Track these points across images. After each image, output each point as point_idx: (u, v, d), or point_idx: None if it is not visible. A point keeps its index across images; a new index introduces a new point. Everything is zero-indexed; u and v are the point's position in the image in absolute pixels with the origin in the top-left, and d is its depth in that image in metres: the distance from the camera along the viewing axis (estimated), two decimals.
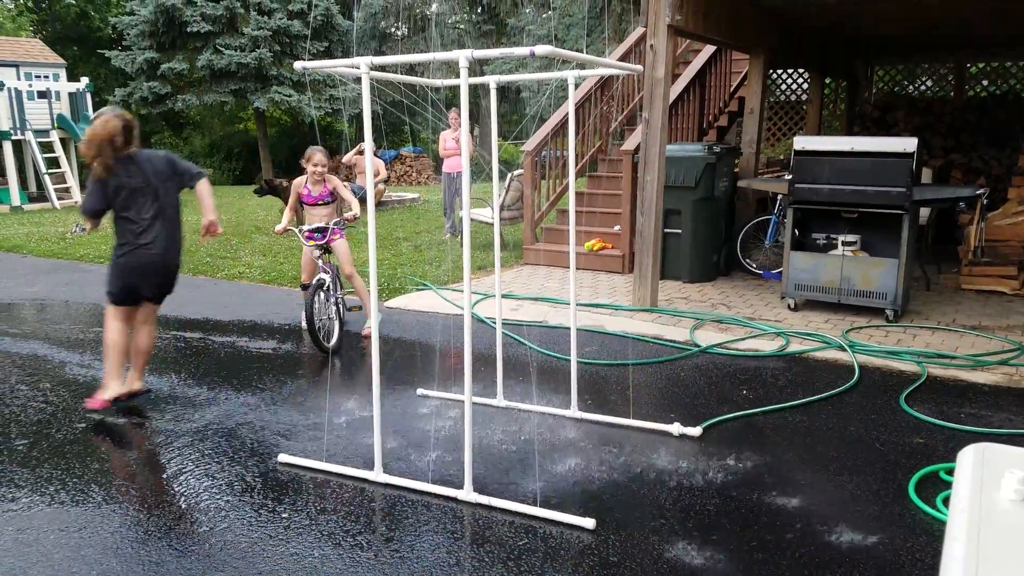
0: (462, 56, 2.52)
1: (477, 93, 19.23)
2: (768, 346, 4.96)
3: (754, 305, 6.09)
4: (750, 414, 3.79)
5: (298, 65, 2.86)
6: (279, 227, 5.06)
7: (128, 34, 18.62)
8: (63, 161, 14.54)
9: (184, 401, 4.10)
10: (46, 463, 3.34)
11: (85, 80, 15.35)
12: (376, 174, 12.67)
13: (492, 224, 8.91)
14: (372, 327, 3.20)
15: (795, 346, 4.93)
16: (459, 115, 9.52)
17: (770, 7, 6.80)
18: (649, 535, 2.66)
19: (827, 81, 11.07)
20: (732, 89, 9.50)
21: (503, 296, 6.41)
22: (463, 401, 3.56)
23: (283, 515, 2.83)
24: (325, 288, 4.89)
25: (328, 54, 20.39)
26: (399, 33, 22.69)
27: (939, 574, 1.07)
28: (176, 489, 3.06)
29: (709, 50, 8.51)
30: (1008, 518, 1.16)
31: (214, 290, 7.04)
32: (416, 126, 29.56)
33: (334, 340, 4.94)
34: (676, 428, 3.53)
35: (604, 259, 7.60)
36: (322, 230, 4.97)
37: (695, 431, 3.52)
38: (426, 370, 4.55)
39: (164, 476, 3.19)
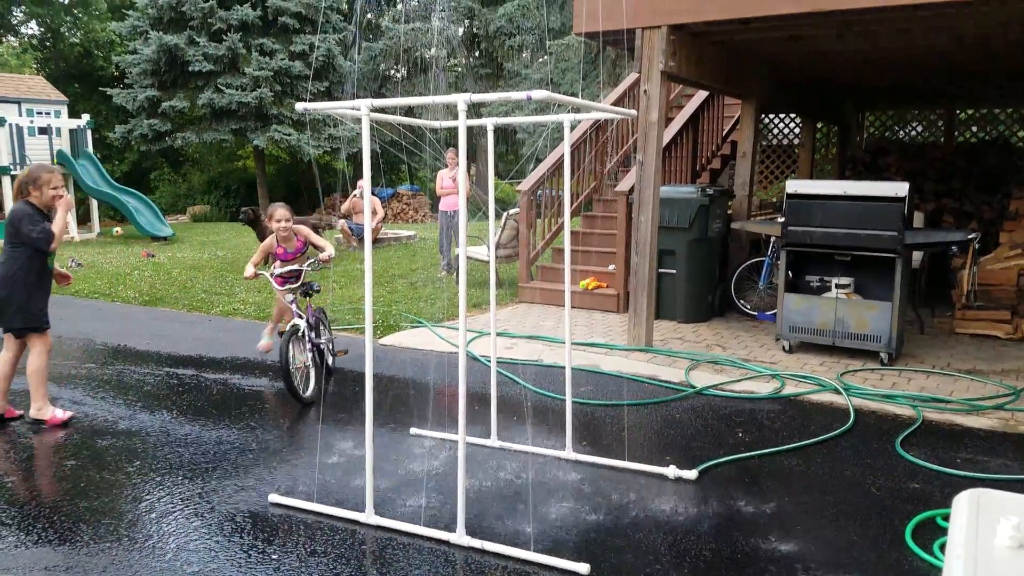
0: (460, 99, 2.57)
1: (475, 133, 19.51)
2: (763, 388, 4.95)
3: (749, 346, 6.09)
4: (746, 457, 3.77)
5: (299, 106, 2.91)
6: (247, 273, 4.71)
7: (130, 72, 18.88)
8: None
9: (175, 439, 4.05)
10: (30, 503, 3.28)
11: (86, 117, 15.52)
12: (373, 213, 12.78)
13: (488, 262, 8.97)
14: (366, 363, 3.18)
15: (790, 388, 4.93)
16: (456, 155, 9.69)
17: (762, 55, 6.95)
18: None
19: (819, 126, 11.26)
20: (725, 133, 9.67)
21: (498, 334, 6.39)
22: (456, 441, 3.55)
23: (273, 556, 2.77)
24: (300, 334, 4.66)
25: (328, 94, 20.70)
26: (398, 75, 23.02)
27: None
28: (165, 529, 3.00)
29: (702, 95, 8.67)
30: (1003, 564, 1.15)
31: (208, 327, 7.01)
32: (413, 165, 29.91)
33: (310, 390, 4.66)
34: (672, 471, 3.50)
35: (599, 298, 7.62)
36: (296, 273, 4.80)
37: (691, 474, 3.49)
38: (420, 409, 4.52)
39: (153, 515, 3.13)
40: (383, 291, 8.60)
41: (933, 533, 2.96)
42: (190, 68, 18.08)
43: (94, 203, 15.68)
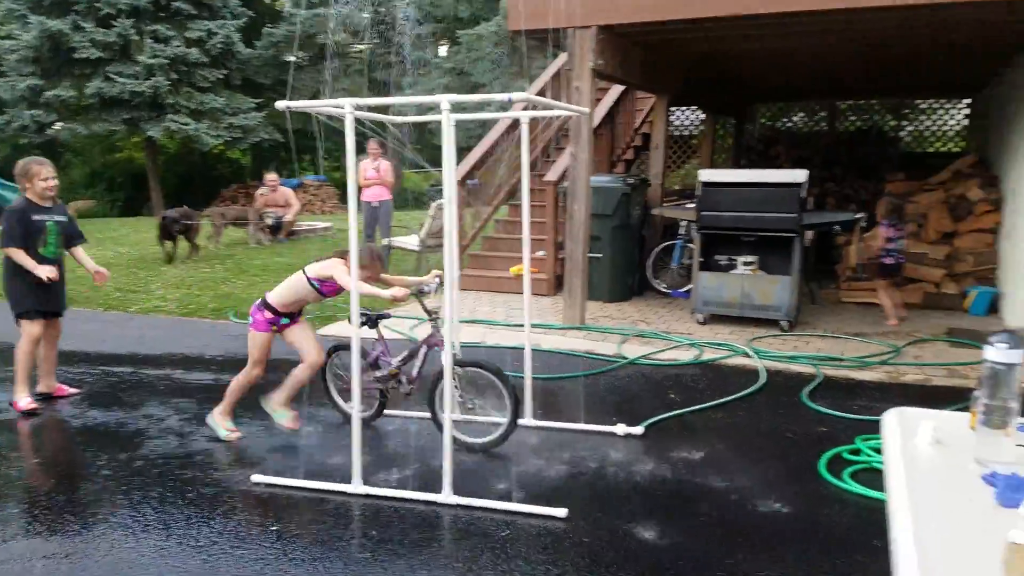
0: (444, 100, 2.86)
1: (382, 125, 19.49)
2: (685, 356, 5.50)
3: (667, 321, 6.66)
4: (680, 414, 4.26)
5: (281, 104, 3.10)
6: (397, 295, 3.67)
7: (7, 59, 17.61)
8: None
9: (137, 431, 4.13)
10: (14, 497, 3.33)
11: None
12: (286, 203, 12.64)
13: (417, 251, 9.19)
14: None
15: (708, 355, 5.50)
16: (378, 145, 9.82)
17: (675, 54, 7.52)
18: (612, 518, 3.03)
19: (718, 119, 12.10)
20: (637, 125, 10.26)
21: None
22: (424, 418, 3.86)
23: (272, 528, 2.99)
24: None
25: (227, 82, 20.06)
26: (303, 62, 22.54)
27: (887, 499, 1.47)
28: (157, 514, 3.14)
29: (617, 90, 9.19)
30: (926, 455, 1.60)
31: (130, 325, 6.91)
32: (324, 155, 29.27)
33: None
34: (621, 428, 3.94)
35: (532, 283, 8.00)
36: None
37: (638, 430, 3.95)
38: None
39: (142, 502, 3.25)
40: None
41: (841, 465, 3.52)
42: (76, 55, 17.08)
43: None
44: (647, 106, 10.12)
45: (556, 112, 3.92)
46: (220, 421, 3.98)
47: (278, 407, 3.92)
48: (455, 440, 3.31)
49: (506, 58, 20.54)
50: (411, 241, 9.32)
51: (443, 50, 23.22)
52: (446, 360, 3.27)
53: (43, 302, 4.49)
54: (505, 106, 3.75)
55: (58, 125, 17.98)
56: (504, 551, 2.78)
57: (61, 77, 17.56)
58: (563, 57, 9.55)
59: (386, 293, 3.58)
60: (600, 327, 6.37)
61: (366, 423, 3.91)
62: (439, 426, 3.61)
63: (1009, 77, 7.55)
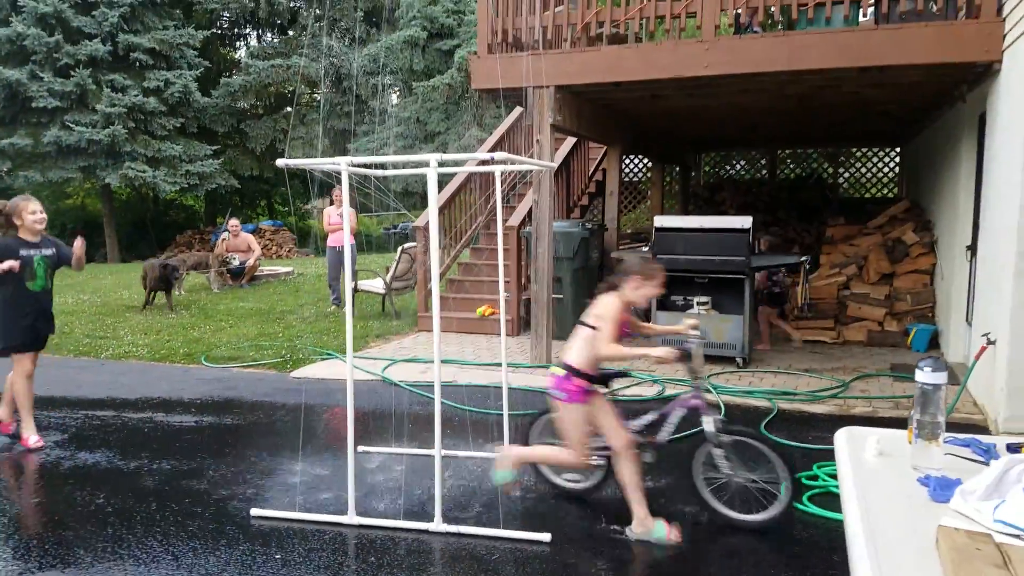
0: (432, 159, 3.15)
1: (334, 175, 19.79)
2: (649, 391, 5.80)
3: (629, 359, 6.96)
4: (643, 445, 4.53)
5: (280, 162, 3.34)
6: (666, 356, 3.15)
7: None
8: None
9: (129, 471, 4.21)
10: (25, 531, 3.40)
11: None
12: (248, 249, 12.71)
13: (383, 294, 9.39)
14: None
15: (670, 390, 5.81)
16: (341, 193, 10.06)
17: (626, 111, 8.03)
18: (593, 541, 3.27)
19: (665, 167, 12.72)
20: (590, 173, 10.77)
21: (408, 361, 6.87)
22: (403, 454, 4.06)
23: (276, 556, 3.14)
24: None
25: (182, 130, 20.13)
26: (259, 110, 22.77)
27: (842, 503, 1.75)
28: (162, 546, 3.26)
29: (571, 141, 9.68)
30: (872, 466, 1.90)
31: (104, 370, 6.92)
32: (276, 201, 29.18)
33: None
34: (594, 459, 4.18)
35: (495, 323, 8.28)
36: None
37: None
38: (360, 430, 4.91)
39: (145, 536, 3.36)
40: (278, 327, 8.75)
41: (800, 490, 3.82)
42: (33, 104, 17.00)
43: None
44: (599, 155, 10.66)
45: (527, 167, 4.25)
46: (648, 526, 3.28)
47: (507, 466, 3.46)
48: (723, 517, 3.18)
49: (459, 109, 21.17)
50: (377, 284, 9.53)
51: (394, 98, 23.72)
52: (709, 425, 3.07)
53: (32, 338, 4.61)
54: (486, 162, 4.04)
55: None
56: (496, 573, 2.99)
57: (17, 125, 17.42)
58: (517, 111, 10.09)
59: (655, 353, 3.09)
60: None
61: (586, 493, 3.67)
62: (705, 502, 3.37)
63: (934, 131, 8.26)
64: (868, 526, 1.53)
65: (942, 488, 1.68)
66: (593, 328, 3.23)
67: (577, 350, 3.32)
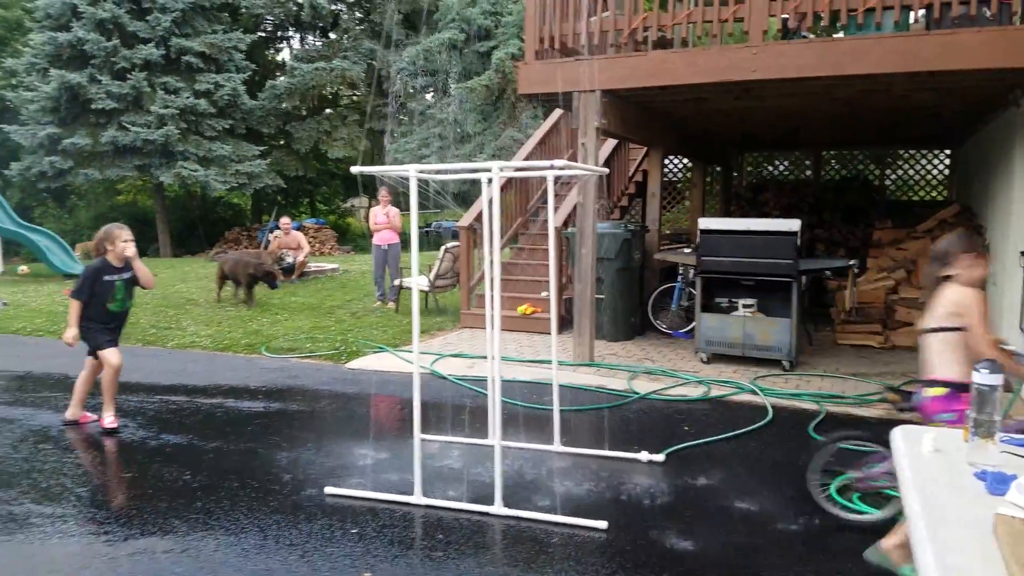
0: (495, 166, 3.34)
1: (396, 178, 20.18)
2: (694, 392, 5.92)
3: (672, 359, 7.09)
4: (697, 444, 4.67)
5: (354, 169, 3.56)
6: None
7: (27, 109, 18.22)
8: None
9: (210, 453, 4.50)
10: (122, 504, 3.69)
11: None
12: (297, 247, 13.11)
13: (427, 291, 9.63)
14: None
15: (716, 391, 5.92)
16: (389, 192, 10.34)
17: (670, 113, 8.13)
18: (647, 531, 3.42)
19: (706, 167, 12.75)
20: (630, 174, 10.87)
21: (455, 356, 7.09)
22: (460, 442, 4.26)
23: (352, 530, 3.37)
24: None
25: (231, 131, 20.69)
26: (304, 111, 23.25)
27: (902, 495, 1.88)
28: (249, 519, 3.51)
29: (612, 143, 9.80)
30: (929, 461, 2.02)
31: (171, 358, 7.27)
32: (318, 200, 29.74)
33: None
34: (644, 456, 4.34)
35: (535, 322, 8.47)
36: None
37: (660, 457, 4.35)
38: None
39: (233, 511, 3.62)
40: (330, 321, 9.05)
41: (849, 491, 3.91)
42: (92, 106, 17.69)
43: None
44: (638, 156, 10.76)
45: (583, 173, 4.41)
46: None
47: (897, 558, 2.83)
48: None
49: (496, 110, 21.39)
50: (421, 282, 9.76)
51: (430, 98, 24.03)
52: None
53: (111, 340, 5.03)
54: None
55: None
56: (554, 555, 3.17)
57: (78, 126, 18.14)
58: (556, 113, 10.25)
59: None
60: (609, 364, 6.79)
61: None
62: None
63: (987, 134, 8.19)
64: (928, 514, 1.66)
65: (998, 482, 1.80)
66: (956, 329, 2.78)
67: (947, 361, 2.84)
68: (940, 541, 1.53)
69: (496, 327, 3.73)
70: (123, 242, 4.88)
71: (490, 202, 3.60)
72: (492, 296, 3.76)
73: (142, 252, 18.56)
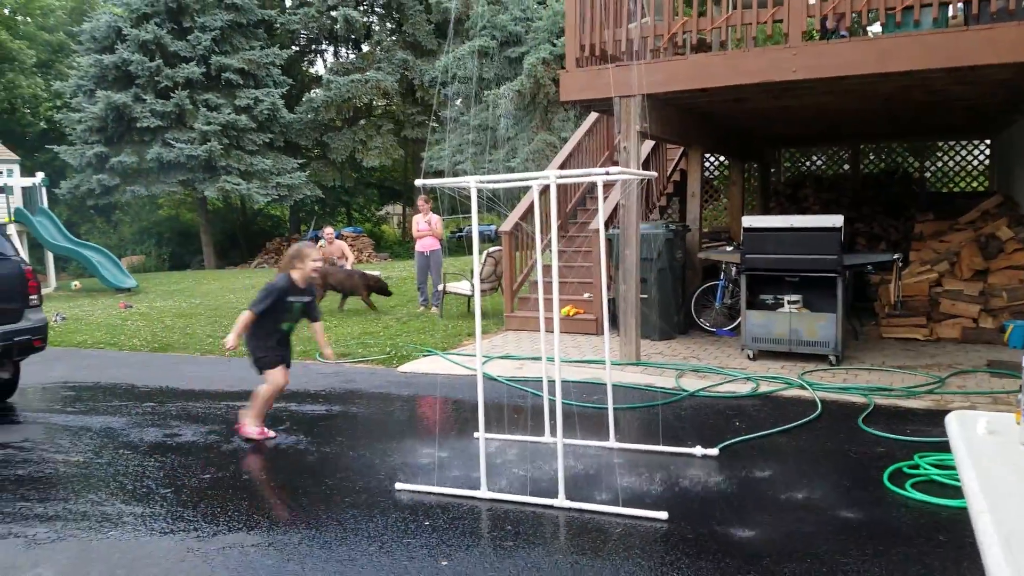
0: (552, 175, 3.51)
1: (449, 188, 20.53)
2: (743, 388, 6.01)
3: (718, 357, 7.18)
4: (749, 438, 4.78)
5: (419, 182, 3.77)
6: None
7: (75, 129, 18.95)
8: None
9: (282, 454, 4.74)
10: (207, 503, 3.95)
11: (40, 175, 15.59)
12: (342, 256, 13.43)
13: (469, 296, 9.85)
14: None
15: (764, 387, 6.01)
16: (426, 201, 10.59)
17: (709, 113, 8.23)
18: (707, 521, 3.56)
19: (744, 165, 12.76)
20: (668, 173, 10.96)
21: (503, 358, 7.28)
22: (518, 440, 4.43)
23: (425, 523, 3.57)
24: None
25: (271, 145, 21.24)
26: (338, 123, 23.76)
27: (960, 474, 1.99)
28: (329, 514, 3.73)
29: (649, 143, 9.90)
30: (984, 441, 2.14)
31: (230, 366, 7.59)
32: (354, 209, 30.19)
33: None
34: (698, 450, 4.47)
35: (579, 323, 8.62)
36: None
37: (714, 451, 4.47)
38: (468, 419, 5.33)
39: (312, 506, 3.85)
40: (378, 326, 9.32)
41: (903, 478, 4.01)
42: (137, 124, 18.35)
43: (50, 258, 15.66)
44: (676, 155, 10.85)
45: (632, 176, 4.57)
46: None
47: None
48: None
49: (527, 115, 21.59)
50: (463, 287, 9.99)
51: (459, 104, 24.33)
52: None
53: (277, 359, 5.02)
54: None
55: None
56: (621, 543, 3.33)
57: (124, 144, 18.83)
58: (592, 116, 10.39)
59: None
60: (655, 363, 6.92)
61: None
62: None
63: (1022, 123, 8.13)
64: (987, 493, 1.79)
65: None
66: None
67: None
68: (998, 510, 1.66)
69: (555, 329, 3.90)
70: (312, 261, 4.85)
71: (546, 208, 3.77)
72: (552, 295, 3.92)
73: (186, 265, 19.42)
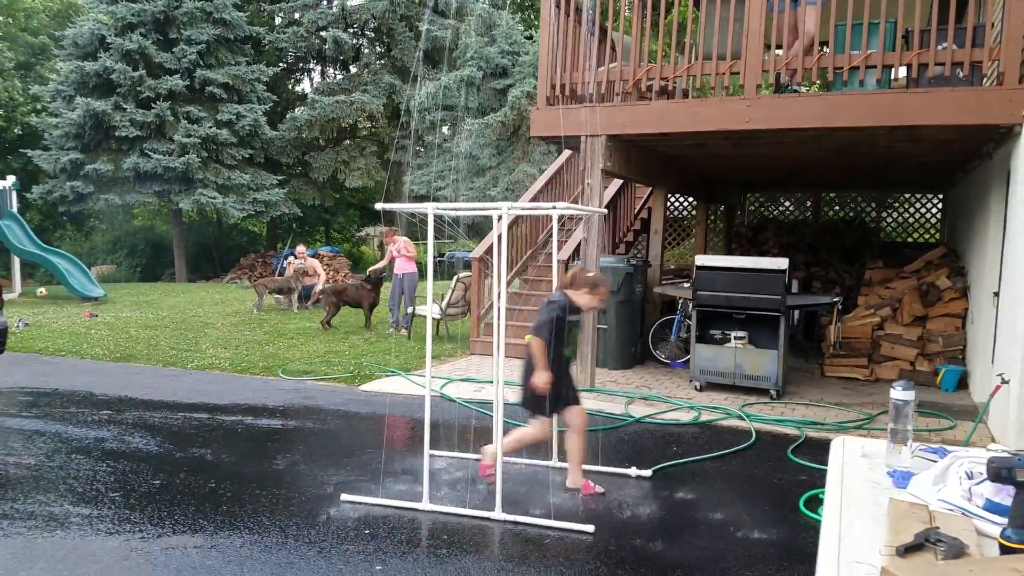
0: (504, 207, 3.79)
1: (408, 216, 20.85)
2: (685, 417, 6.30)
3: (668, 387, 7.47)
4: (683, 462, 5.05)
5: (378, 206, 4.02)
6: None
7: (51, 134, 18.96)
8: None
9: (231, 465, 4.90)
10: (154, 506, 4.09)
11: (12, 179, 15.54)
12: (314, 273, 13.61)
13: (438, 319, 10.07)
14: None
15: (705, 416, 6.30)
16: (392, 233, 10.86)
17: (672, 156, 8.63)
18: (631, 535, 3.80)
19: (710, 206, 13.22)
20: (636, 211, 11.35)
21: (464, 380, 7.49)
22: (467, 458, 4.65)
23: (365, 531, 3.76)
24: None
25: (251, 160, 21.39)
26: (321, 142, 23.99)
27: (827, 484, 2.28)
28: (273, 521, 3.90)
29: (619, 181, 10.29)
30: (856, 463, 2.42)
31: (191, 379, 7.70)
32: (334, 229, 30.32)
33: None
34: (633, 471, 4.72)
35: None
36: None
37: (647, 473, 4.73)
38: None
39: (259, 513, 4.02)
40: (344, 345, 9.49)
41: (817, 503, 4.29)
42: (116, 133, 18.41)
43: (16, 263, 15.59)
44: (645, 193, 11.25)
45: (583, 212, 4.87)
46: None
47: None
48: None
49: (510, 145, 22.06)
50: (433, 310, 10.20)
51: (446, 131, 24.73)
52: None
53: (555, 404, 4.33)
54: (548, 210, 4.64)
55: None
56: (548, 553, 3.55)
57: (100, 152, 18.85)
58: (567, 152, 10.78)
59: None
60: (608, 390, 7.18)
61: None
62: None
63: (969, 181, 8.64)
64: (843, 499, 2.07)
65: (903, 478, 2.21)
66: None
67: None
68: (844, 517, 1.94)
69: (500, 350, 4.14)
70: (601, 299, 4.32)
71: (499, 237, 4.04)
72: (500, 321, 4.17)
73: (157, 276, 19.34)
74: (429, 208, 3.97)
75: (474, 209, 3.85)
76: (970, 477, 2.04)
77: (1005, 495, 1.81)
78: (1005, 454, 1.85)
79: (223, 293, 16.58)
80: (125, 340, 9.85)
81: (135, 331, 10.60)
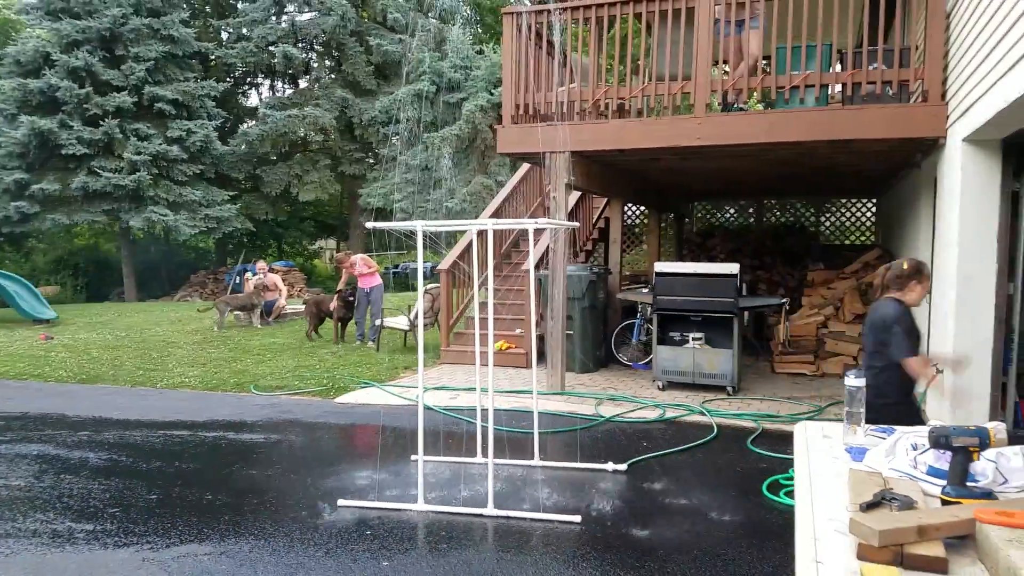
0: (490, 223, 4.09)
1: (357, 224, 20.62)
2: (651, 414, 6.69)
3: (632, 388, 7.87)
4: (653, 456, 5.42)
5: (369, 224, 4.27)
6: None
7: None
8: None
9: (224, 478, 5.05)
10: (164, 518, 4.23)
11: None
12: (274, 288, 13.64)
13: (406, 330, 10.28)
14: None
15: (670, 413, 6.70)
16: (347, 255, 11.03)
17: (629, 169, 9.07)
18: (615, 523, 4.13)
19: (661, 215, 13.76)
20: (594, 221, 11.78)
21: (438, 388, 7.74)
22: (453, 461, 4.92)
23: (366, 532, 3.99)
24: None
25: (201, 176, 21.17)
26: (273, 157, 23.86)
27: (795, 463, 2.65)
28: (276, 527, 4.10)
29: (577, 193, 10.70)
30: (817, 443, 2.80)
31: (164, 398, 7.75)
32: (286, 243, 30.07)
33: None
34: (610, 466, 5.07)
35: (510, 356, 9.18)
36: None
37: (623, 467, 5.08)
38: (405, 444, 5.76)
39: (258, 521, 4.20)
40: (313, 359, 9.61)
41: (778, 488, 4.70)
42: (63, 151, 18.03)
43: None
44: (601, 204, 11.70)
45: (559, 226, 5.20)
46: None
47: None
48: None
49: (466, 157, 22.37)
50: (401, 322, 10.42)
51: (399, 145, 24.90)
52: None
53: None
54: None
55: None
56: (540, 541, 3.85)
57: (46, 171, 18.42)
58: (525, 166, 11.16)
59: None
60: (578, 392, 7.54)
61: None
62: None
63: (898, 187, 9.32)
64: (811, 471, 2.43)
65: (859, 453, 2.59)
66: None
67: None
68: (814, 486, 2.30)
69: (490, 360, 4.43)
70: (926, 290, 3.78)
71: (487, 251, 4.34)
72: (488, 331, 4.46)
73: (104, 296, 19.00)
74: (419, 225, 4.24)
75: (460, 225, 4.14)
76: (915, 448, 2.43)
77: (944, 462, 2.20)
78: (942, 425, 2.24)
79: (178, 311, 16.39)
80: (88, 361, 9.77)
81: (96, 352, 10.50)
